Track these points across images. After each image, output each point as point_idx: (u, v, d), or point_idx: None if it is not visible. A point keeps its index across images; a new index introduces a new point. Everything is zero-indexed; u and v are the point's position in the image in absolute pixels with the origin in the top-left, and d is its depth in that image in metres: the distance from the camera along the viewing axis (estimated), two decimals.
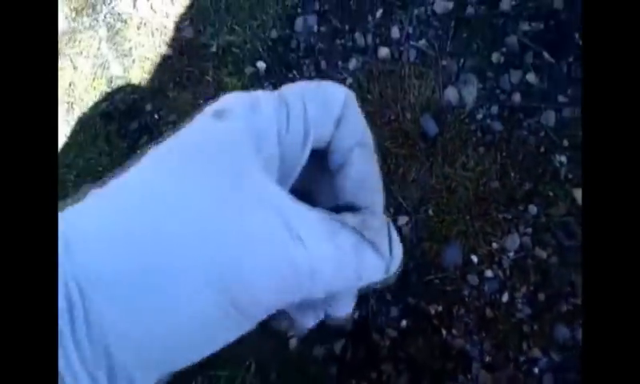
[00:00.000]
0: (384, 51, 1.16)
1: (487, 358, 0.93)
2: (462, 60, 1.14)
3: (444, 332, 0.95)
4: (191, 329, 0.20)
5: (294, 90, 0.24)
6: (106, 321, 0.19)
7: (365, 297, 0.98)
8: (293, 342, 0.98)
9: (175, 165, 0.22)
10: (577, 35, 1.09)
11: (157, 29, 1.21)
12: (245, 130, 0.23)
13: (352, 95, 0.25)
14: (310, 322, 0.26)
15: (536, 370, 0.92)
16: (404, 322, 0.96)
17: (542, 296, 0.95)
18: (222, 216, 0.20)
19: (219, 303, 0.20)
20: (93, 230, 0.20)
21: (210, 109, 0.24)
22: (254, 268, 0.20)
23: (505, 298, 0.96)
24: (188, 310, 0.20)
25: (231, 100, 0.24)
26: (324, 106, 0.24)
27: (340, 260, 0.22)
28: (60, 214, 0.21)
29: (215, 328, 0.21)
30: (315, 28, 1.21)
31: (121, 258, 0.20)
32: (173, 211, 0.20)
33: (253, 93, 0.24)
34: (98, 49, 1.21)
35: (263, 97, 0.24)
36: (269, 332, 1.00)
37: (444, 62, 1.13)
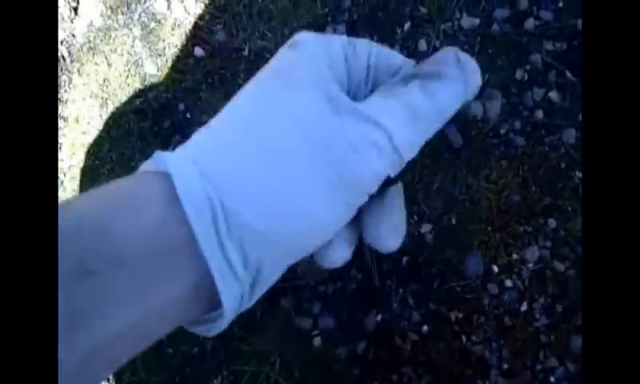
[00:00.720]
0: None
1: (505, 365, 0.96)
2: (486, 75, 1.17)
3: (464, 338, 0.98)
4: (313, 230, 0.25)
5: (361, 40, 0.29)
6: (244, 223, 0.23)
7: (388, 301, 1.01)
8: (317, 341, 1.00)
9: (271, 89, 0.26)
10: None
11: (190, 30, 1.24)
12: (318, 52, 0.27)
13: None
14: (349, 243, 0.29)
15: (552, 379, 0.95)
16: (425, 327, 0.99)
17: (559, 307, 0.98)
18: (323, 124, 0.24)
19: (329, 178, 0.24)
20: (226, 152, 0.24)
21: (286, 45, 0.29)
22: (357, 165, 0.25)
23: (523, 307, 0.98)
24: (311, 213, 0.24)
25: (302, 34, 0.29)
26: (387, 58, 0.29)
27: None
28: (185, 144, 0.26)
29: (326, 212, 0.25)
30: None
31: (256, 169, 0.24)
32: (285, 122, 0.25)
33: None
34: (132, 47, 1.24)
35: (333, 36, 0.29)
36: (294, 331, 1.02)
37: None
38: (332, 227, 0.25)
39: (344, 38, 0.29)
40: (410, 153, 0.27)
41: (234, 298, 0.24)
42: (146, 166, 0.26)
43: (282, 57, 0.28)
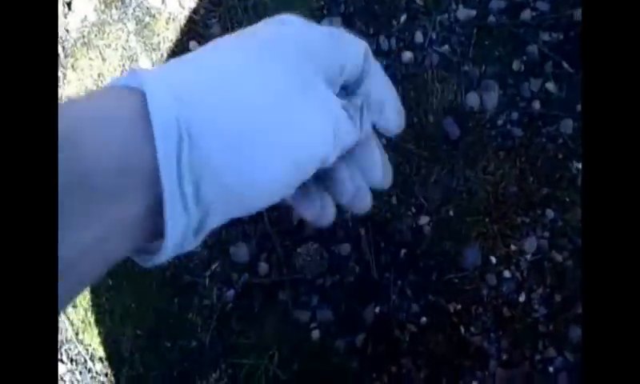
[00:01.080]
0: (407, 55, 1.19)
1: (504, 356, 0.96)
2: (483, 66, 1.17)
3: (462, 329, 0.98)
4: (264, 185, 0.26)
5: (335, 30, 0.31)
6: (205, 158, 0.24)
7: (386, 293, 1.01)
8: (315, 334, 1.00)
9: (255, 50, 0.27)
10: None
11: (185, 24, 1.24)
12: (304, 35, 0.28)
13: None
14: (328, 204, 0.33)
15: (551, 369, 0.95)
16: (424, 319, 0.99)
17: (558, 297, 0.98)
18: (292, 99, 0.27)
19: (287, 166, 0.26)
20: (202, 86, 0.25)
21: (274, 18, 0.29)
22: (311, 143, 0.27)
23: (522, 298, 0.98)
24: (267, 169, 0.26)
25: (291, 16, 0.30)
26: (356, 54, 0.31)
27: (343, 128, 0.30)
28: (163, 66, 0.26)
29: (276, 191, 0.27)
30: None
31: (232, 114, 0.25)
32: (261, 88, 0.26)
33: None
34: (127, 41, 1.24)
35: (317, 25, 0.30)
36: (292, 324, 1.02)
37: (466, 68, 1.16)
38: (280, 188, 0.28)
39: (327, 29, 0.30)
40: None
41: (179, 231, 0.24)
42: (118, 80, 0.26)
43: (269, 28, 0.28)
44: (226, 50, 0.27)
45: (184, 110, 0.24)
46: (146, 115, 0.23)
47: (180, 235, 0.24)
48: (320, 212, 0.32)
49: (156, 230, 0.25)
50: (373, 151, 0.33)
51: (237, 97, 0.25)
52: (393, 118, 0.33)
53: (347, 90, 0.32)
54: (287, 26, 0.29)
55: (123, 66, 1.22)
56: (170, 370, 1.02)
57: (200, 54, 0.27)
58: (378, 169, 0.33)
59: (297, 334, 1.01)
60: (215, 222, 0.26)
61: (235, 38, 0.28)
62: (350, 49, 0.30)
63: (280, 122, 0.26)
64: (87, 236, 0.22)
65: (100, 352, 1.05)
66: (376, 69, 0.32)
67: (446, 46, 1.18)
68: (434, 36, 1.19)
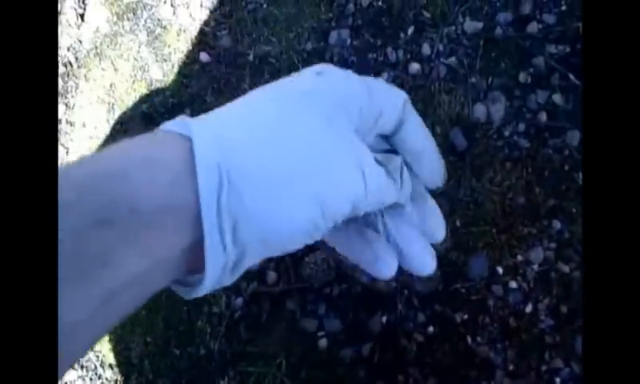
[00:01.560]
0: (415, 67, 1.20)
1: (510, 366, 0.96)
2: (490, 78, 1.18)
3: (469, 339, 0.98)
4: (292, 231, 0.27)
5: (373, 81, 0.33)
6: (242, 203, 0.25)
7: (393, 302, 1.02)
8: (322, 343, 1.01)
9: (291, 101, 0.29)
10: None
11: (195, 36, 1.25)
12: (340, 87, 0.30)
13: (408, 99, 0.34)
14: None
15: (557, 380, 0.95)
16: (431, 328, 0.99)
17: (564, 308, 0.98)
18: (322, 148, 0.28)
19: (313, 211, 0.28)
20: (242, 135, 0.27)
21: (312, 69, 0.31)
22: (338, 188, 0.28)
23: (528, 308, 0.99)
24: (295, 215, 0.27)
25: (329, 66, 0.32)
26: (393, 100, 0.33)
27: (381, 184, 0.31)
28: (211, 113, 0.29)
29: (305, 233, 0.28)
30: (348, 42, 1.25)
31: (267, 162, 0.27)
32: (295, 139, 0.28)
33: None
34: (138, 52, 1.26)
35: (352, 73, 0.32)
36: (299, 332, 1.03)
37: (473, 80, 1.17)
38: (308, 232, 0.29)
39: (364, 80, 0.32)
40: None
41: (218, 268, 0.25)
42: (166, 126, 0.28)
43: (306, 78, 0.30)
44: (265, 100, 0.29)
45: (225, 157, 0.26)
46: (191, 160, 0.25)
47: (219, 271, 0.26)
48: (373, 262, 0.32)
49: (196, 267, 0.26)
50: (424, 208, 0.34)
51: (272, 146, 0.27)
52: (430, 168, 0.34)
53: (387, 140, 0.33)
54: (324, 77, 0.30)
55: (135, 76, 1.24)
56: (179, 377, 1.03)
57: (242, 103, 0.29)
58: (432, 225, 0.34)
59: (304, 343, 1.01)
60: (251, 261, 0.28)
61: (274, 88, 0.30)
62: (386, 100, 0.31)
63: (310, 171, 0.28)
64: (137, 265, 0.24)
65: (110, 359, 1.06)
66: (415, 119, 0.34)
67: (453, 58, 1.19)
68: (441, 48, 1.21)
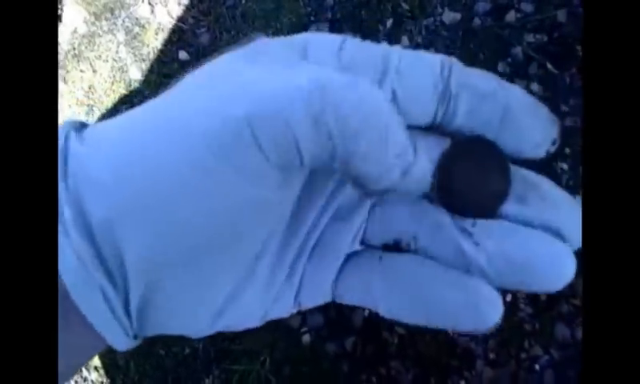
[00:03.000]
0: None
1: (491, 356, 0.98)
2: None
3: (450, 330, 0.99)
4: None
5: None
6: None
7: None
8: (306, 339, 1.02)
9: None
10: (579, 48, 1.14)
11: (174, 34, 1.25)
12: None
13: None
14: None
15: (537, 367, 0.97)
16: None
17: (543, 296, 0.99)
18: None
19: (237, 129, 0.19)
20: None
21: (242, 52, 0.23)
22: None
23: (508, 297, 1.00)
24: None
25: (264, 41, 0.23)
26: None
27: None
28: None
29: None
30: None
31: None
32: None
33: None
34: (117, 52, 1.25)
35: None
36: (283, 329, 1.04)
37: None
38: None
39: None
40: None
41: (119, 337, 0.21)
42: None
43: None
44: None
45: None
46: None
47: (122, 338, 0.22)
48: (472, 308, 0.21)
49: None
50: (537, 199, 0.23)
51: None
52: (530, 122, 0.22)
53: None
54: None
55: (113, 77, 1.24)
56: (164, 376, 1.04)
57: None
58: (554, 218, 0.22)
59: (288, 339, 1.02)
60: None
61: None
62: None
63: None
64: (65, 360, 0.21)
65: (95, 361, 1.07)
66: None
67: (432, 50, 1.19)
68: (419, 40, 1.21)
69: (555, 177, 1.07)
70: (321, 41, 0.22)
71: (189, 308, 0.22)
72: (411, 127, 0.22)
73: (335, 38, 0.22)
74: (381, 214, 0.24)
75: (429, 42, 1.21)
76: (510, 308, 1.00)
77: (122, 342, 0.21)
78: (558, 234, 0.21)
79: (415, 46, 1.21)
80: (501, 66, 1.17)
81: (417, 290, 0.22)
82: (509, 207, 0.22)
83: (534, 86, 1.14)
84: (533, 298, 1.00)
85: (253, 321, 0.23)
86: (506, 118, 0.21)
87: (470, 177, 0.22)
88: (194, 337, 0.23)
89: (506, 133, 0.21)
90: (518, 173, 0.22)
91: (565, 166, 1.08)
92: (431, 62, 0.21)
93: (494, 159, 0.22)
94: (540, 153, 0.22)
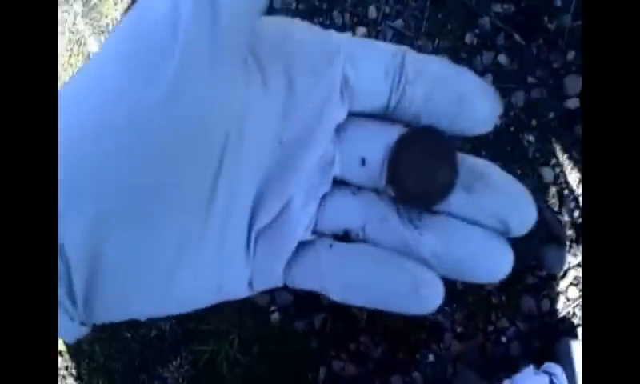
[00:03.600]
0: (361, 30, 1.18)
1: (458, 329, 0.99)
2: (436, 40, 1.17)
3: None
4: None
5: None
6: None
7: None
8: (275, 317, 1.02)
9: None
10: (545, 18, 1.13)
11: (133, 4, 1.20)
12: None
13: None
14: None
15: (503, 339, 0.98)
16: None
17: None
18: None
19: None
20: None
21: None
22: None
23: None
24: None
25: None
26: None
27: None
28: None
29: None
30: (294, 5, 1.22)
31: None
32: None
33: None
34: (74, 24, 1.20)
35: None
36: (251, 308, 1.03)
37: (419, 42, 1.16)
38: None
39: None
40: None
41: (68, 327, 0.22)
42: None
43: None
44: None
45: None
46: None
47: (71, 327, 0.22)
48: (412, 292, 0.22)
49: None
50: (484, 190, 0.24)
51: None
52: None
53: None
54: None
55: (71, 50, 1.19)
56: (131, 359, 1.03)
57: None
58: (499, 210, 0.23)
59: (256, 319, 1.02)
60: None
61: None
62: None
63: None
64: None
65: (60, 345, 1.05)
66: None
67: (400, 21, 1.17)
68: (387, 10, 1.19)
69: (522, 149, 1.07)
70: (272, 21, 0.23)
71: (137, 278, 0.21)
72: (367, 115, 0.23)
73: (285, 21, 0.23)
74: (331, 206, 0.24)
75: (396, 12, 1.19)
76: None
77: (68, 330, 0.21)
78: (503, 222, 0.23)
79: (383, 17, 1.18)
80: (468, 38, 1.16)
81: (363, 274, 0.23)
82: (456, 196, 0.23)
83: (501, 57, 1.13)
84: None
85: (207, 294, 0.23)
86: (461, 100, 0.22)
87: (419, 168, 0.23)
88: (147, 316, 0.23)
89: (461, 114, 0.22)
90: (466, 161, 0.23)
91: (531, 138, 1.08)
92: (382, 48, 0.23)
93: (442, 150, 0.23)
94: (489, 127, 0.23)
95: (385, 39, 1.16)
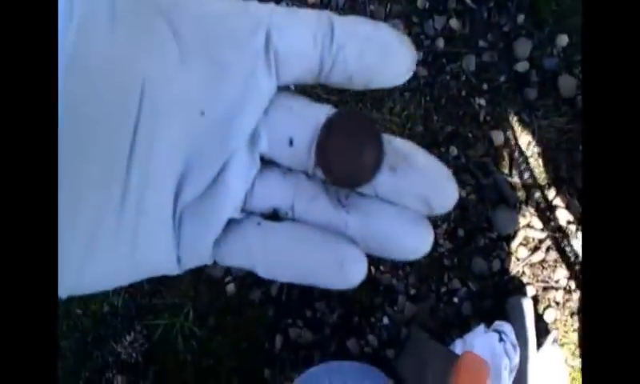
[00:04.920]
0: None
1: (412, 291, 1.01)
2: (389, 5, 1.16)
3: (372, 269, 1.01)
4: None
5: None
6: None
7: None
8: (230, 288, 1.01)
9: None
10: None
11: None
12: None
13: None
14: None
15: (455, 300, 1.01)
16: None
17: (461, 232, 1.02)
18: None
19: None
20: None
21: None
22: None
23: None
24: None
25: None
26: None
27: None
28: None
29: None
30: None
31: None
32: None
33: None
34: None
35: None
36: (206, 280, 1.03)
37: (371, 7, 1.15)
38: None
39: None
40: None
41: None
42: None
43: None
44: None
45: None
46: None
47: None
48: (336, 268, 0.23)
49: None
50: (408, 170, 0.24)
51: None
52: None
53: None
54: None
55: None
56: (84, 336, 1.01)
57: None
58: (422, 190, 0.24)
59: (211, 291, 1.02)
60: None
61: None
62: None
63: None
64: None
65: None
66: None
67: None
68: None
69: (473, 112, 1.08)
70: None
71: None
72: (300, 85, 0.24)
73: None
74: (261, 185, 0.24)
75: None
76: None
77: None
78: (426, 201, 0.23)
79: None
80: (420, 2, 1.15)
81: (288, 251, 0.23)
82: (381, 177, 0.23)
83: (453, 22, 1.13)
84: (451, 233, 1.03)
85: (125, 265, 0.23)
86: (386, 54, 0.23)
87: (346, 150, 0.23)
88: (69, 293, 0.23)
89: (387, 66, 0.23)
90: (391, 144, 0.24)
91: (482, 102, 1.09)
92: (307, 15, 0.23)
93: (368, 132, 0.24)
94: (408, 76, 0.24)
95: (337, 5, 1.15)
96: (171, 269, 0.24)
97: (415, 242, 0.23)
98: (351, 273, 0.23)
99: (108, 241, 0.22)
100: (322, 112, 0.24)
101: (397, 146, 0.24)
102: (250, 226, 0.24)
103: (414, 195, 0.23)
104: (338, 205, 0.24)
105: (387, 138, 0.24)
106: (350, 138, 0.23)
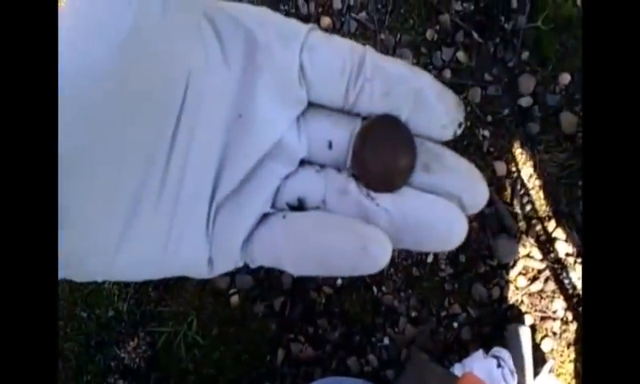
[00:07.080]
0: (326, 21, 1.19)
1: (413, 313, 1.02)
2: (399, 35, 1.19)
3: (375, 289, 1.03)
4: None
5: None
6: None
7: None
8: (234, 300, 1.02)
9: None
10: (502, 18, 1.17)
11: None
12: None
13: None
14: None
15: (455, 324, 1.02)
16: (339, 281, 1.03)
17: (462, 257, 1.04)
18: None
19: None
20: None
21: None
22: None
23: (430, 258, 1.05)
24: None
25: None
26: None
27: None
28: None
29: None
30: None
31: None
32: None
33: None
34: None
35: None
36: (211, 290, 1.03)
37: (382, 36, 1.18)
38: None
39: None
40: None
41: None
42: None
43: None
44: None
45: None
46: None
47: None
48: (359, 249, 0.22)
49: None
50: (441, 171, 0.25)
51: None
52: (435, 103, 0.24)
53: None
54: None
55: None
56: (87, 340, 1.01)
57: None
58: (455, 186, 0.24)
59: (216, 301, 1.02)
60: None
61: None
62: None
63: None
64: None
65: None
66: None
67: (364, 13, 1.19)
68: (351, 2, 1.20)
69: (477, 142, 1.11)
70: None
71: (88, 236, 0.21)
72: (325, 108, 0.24)
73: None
74: (293, 181, 0.25)
75: (360, 4, 1.21)
76: (432, 268, 1.05)
77: None
78: (459, 201, 0.23)
79: (347, 9, 1.20)
80: (429, 34, 1.19)
81: (313, 239, 0.23)
82: (415, 175, 0.24)
83: (460, 54, 1.17)
84: (453, 259, 1.05)
85: (153, 249, 0.23)
86: (417, 102, 0.23)
87: (380, 155, 0.23)
88: (104, 278, 0.23)
89: (417, 115, 0.23)
90: (424, 145, 0.24)
91: (486, 133, 1.12)
92: (341, 43, 0.23)
93: (402, 138, 0.24)
94: (447, 135, 0.24)
95: (349, 30, 1.18)
96: (201, 267, 0.24)
97: (449, 230, 0.23)
98: (375, 255, 0.22)
99: (144, 228, 0.22)
100: (356, 120, 0.24)
101: (429, 147, 0.24)
102: (275, 220, 0.24)
103: (446, 194, 0.23)
104: (368, 196, 0.24)
105: (419, 140, 0.24)
106: (385, 143, 0.24)
